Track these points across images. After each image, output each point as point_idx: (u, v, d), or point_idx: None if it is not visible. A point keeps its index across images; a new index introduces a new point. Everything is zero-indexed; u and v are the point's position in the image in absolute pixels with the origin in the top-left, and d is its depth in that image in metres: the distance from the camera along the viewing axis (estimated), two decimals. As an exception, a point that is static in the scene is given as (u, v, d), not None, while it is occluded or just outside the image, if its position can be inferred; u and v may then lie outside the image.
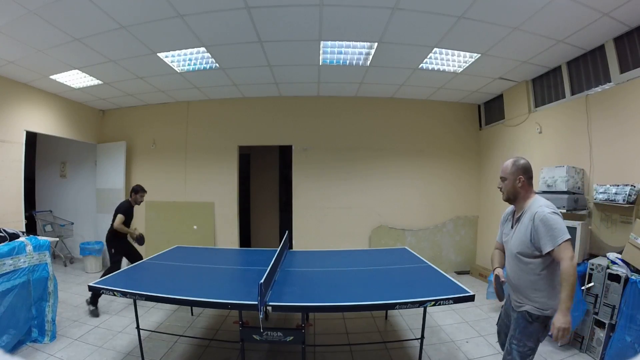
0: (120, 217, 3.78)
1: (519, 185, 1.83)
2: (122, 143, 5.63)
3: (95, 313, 3.55)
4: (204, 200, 5.53)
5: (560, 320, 1.60)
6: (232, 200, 5.53)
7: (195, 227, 5.32)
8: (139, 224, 5.50)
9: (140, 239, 3.94)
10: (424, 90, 5.06)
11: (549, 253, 1.66)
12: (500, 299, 1.98)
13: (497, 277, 1.91)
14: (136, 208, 4.07)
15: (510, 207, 2.01)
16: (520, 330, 1.77)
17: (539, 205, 1.75)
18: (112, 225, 3.81)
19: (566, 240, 1.63)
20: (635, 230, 2.59)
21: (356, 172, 5.47)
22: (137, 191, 3.96)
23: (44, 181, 6.27)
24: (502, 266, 1.99)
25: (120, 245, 3.85)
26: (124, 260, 3.91)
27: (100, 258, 5.35)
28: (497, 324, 2.16)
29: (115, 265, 3.75)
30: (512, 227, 1.91)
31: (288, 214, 5.81)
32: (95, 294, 3.40)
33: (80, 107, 5.43)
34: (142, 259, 3.73)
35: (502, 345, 2.02)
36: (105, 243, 3.98)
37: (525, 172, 1.83)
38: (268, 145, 6.11)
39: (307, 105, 5.46)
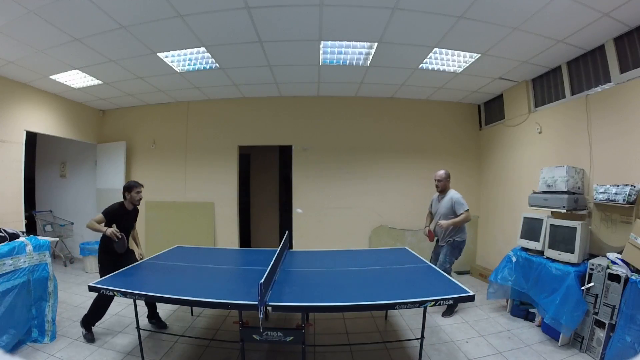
0: (98, 216, 3.05)
1: (448, 184, 3.87)
2: (122, 143, 5.63)
3: (88, 337, 3.00)
4: (204, 200, 5.53)
5: (442, 222, 3.64)
6: (232, 200, 5.53)
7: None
8: (139, 224, 5.47)
9: (120, 242, 3.04)
10: (424, 91, 5.06)
11: (460, 214, 3.63)
12: (432, 240, 4.00)
13: (431, 230, 3.93)
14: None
15: (435, 195, 4.01)
16: (450, 251, 3.72)
17: (454, 193, 3.78)
18: (102, 236, 3.10)
19: (466, 210, 3.63)
20: (635, 230, 2.59)
21: (356, 172, 5.47)
22: (131, 188, 3.18)
23: (44, 181, 6.27)
24: (432, 225, 3.90)
25: (105, 257, 3.10)
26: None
27: (100, 258, 5.34)
28: (431, 257, 3.93)
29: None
30: (438, 202, 3.89)
31: (288, 214, 5.81)
32: (87, 321, 3.02)
33: (80, 107, 5.43)
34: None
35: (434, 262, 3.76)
36: None
37: (449, 177, 3.89)
38: (268, 145, 6.10)
39: (307, 105, 5.46)
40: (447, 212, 3.71)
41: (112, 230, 3.00)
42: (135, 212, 3.37)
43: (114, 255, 3.08)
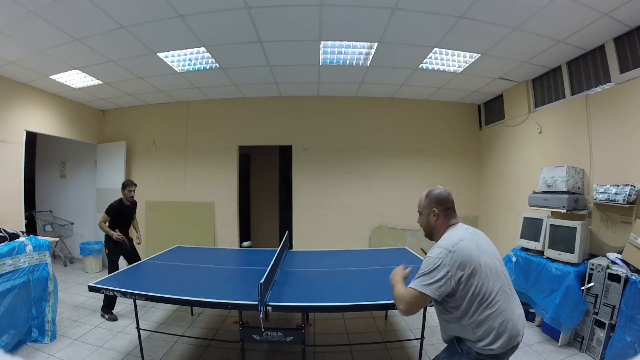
0: (103, 216, 3.64)
1: (433, 219, 1.61)
2: (122, 143, 5.63)
3: (112, 318, 3.49)
4: (204, 200, 5.52)
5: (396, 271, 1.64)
6: (232, 200, 5.53)
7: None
8: (139, 222, 5.51)
9: (123, 244, 3.68)
10: (424, 90, 5.06)
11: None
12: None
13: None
14: (137, 208, 4.03)
15: None
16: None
17: (437, 243, 1.54)
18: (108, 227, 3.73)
19: (415, 288, 1.42)
20: (635, 230, 2.59)
21: (356, 172, 5.47)
22: (124, 186, 3.77)
23: (44, 181, 6.27)
24: None
25: (111, 245, 3.70)
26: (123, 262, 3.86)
27: (100, 258, 5.35)
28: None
29: (113, 265, 3.70)
30: None
31: (288, 214, 5.81)
32: (106, 306, 3.52)
33: (80, 107, 5.42)
34: (139, 260, 3.68)
35: None
36: None
37: (440, 203, 1.59)
38: (268, 145, 6.10)
39: (307, 105, 5.46)
40: None
41: (117, 235, 3.63)
42: (134, 205, 3.93)
43: (117, 243, 3.68)
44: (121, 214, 3.74)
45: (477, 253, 1.45)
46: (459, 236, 1.51)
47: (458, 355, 1.49)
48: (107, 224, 3.65)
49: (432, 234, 1.66)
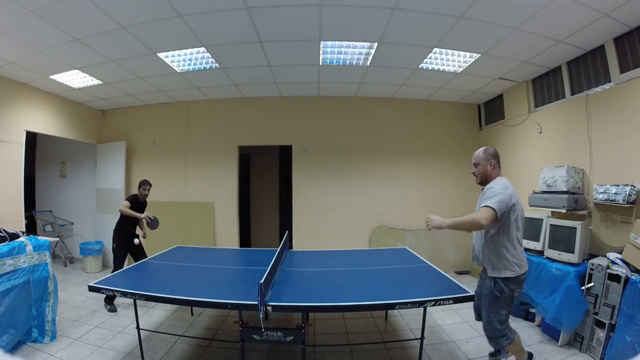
0: (124, 202, 3.84)
1: (490, 168, 2.20)
2: (122, 143, 5.63)
3: (112, 309, 3.68)
4: (204, 200, 5.53)
5: (431, 218, 2.14)
6: (232, 200, 5.53)
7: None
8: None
9: (154, 222, 3.86)
10: (424, 90, 5.06)
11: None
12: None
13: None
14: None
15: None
16: (491, 300, 2.19)
17: (494, 182, 2.15)
18: (118, 221, 3.93)
19: (489, 206, 1.96)
20: (635, 230, 2.59)
21: (356, 172, 5.47)
22: (140, 185, 3.96)
23: (44, 181, 6.27)
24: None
25: (122, 241, 3.86)
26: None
27: (100, 258, 5.35)
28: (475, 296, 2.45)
29: (117, 261, 3.79)
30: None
31: (288, 214, 5.81)
32: (108, 296, 3.66)
33: (80, 107, 5.43)
34: (145, 257, 3.78)
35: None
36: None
37: (495, 157, 2.22)
38: (268, 145, 6.10)
39: (307, 105, 5.46)
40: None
41: (146, 214, 3.87)
42: (144, 205, 4.08)
43: (122, 238, 3.88)
44: (135, 207, 3.89)
45: (517, 196, 2.11)
46: (508, 182, 2.15)
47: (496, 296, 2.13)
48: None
49: (486, 180, 2.22)
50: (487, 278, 2.19)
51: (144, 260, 3.50)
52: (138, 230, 4.08)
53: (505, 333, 2.17)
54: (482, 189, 2.21)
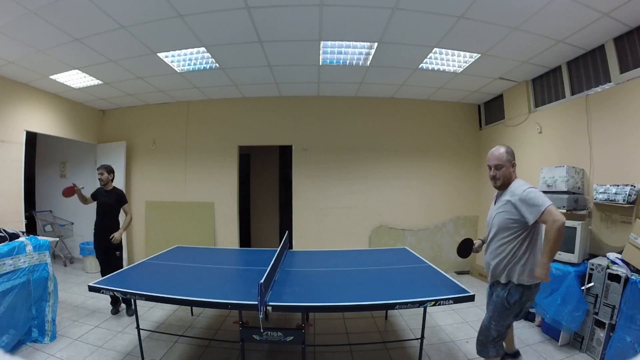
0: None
1: (512, 169, 2.07)
2: (122, 143, 5.63)
3: (113, 312, 3.65)
4: (204, 200, 5.52)
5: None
6: (232, 200, 5.53)
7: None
8: (139, 224, 5.52)
9: (97, 243, 3.63)
10: (424, 91, 5.06)
11: (541, 220, 1.90)
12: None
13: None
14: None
15: (495, 194, 2.25)
16: (499, 307, 2.16)
17: (517, 186, 2.02)
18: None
19: (547, 208, 1.86)
20: (635, 230, 2.59)
21: (356, 172, 5.47)
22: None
23: (44, 181, 6.26)
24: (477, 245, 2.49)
25: (96, 240, 3.68)
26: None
27: (100, 258, 5.34)
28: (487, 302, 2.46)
29: (118, 263, 3.64)
30: (494, 205, 2.20)
31: (288, 214, 5.81)
32: (114, 300, 3.67)
33: (80, 107, 5.43)
34: (112, 271, 3.11)
35: None
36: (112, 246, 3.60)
37: (514, 157, 2.09)
38: (268, 145, 6.10)
39: (307, 105, 5.46)
40: (502, 221, 2.06)
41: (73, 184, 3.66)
42: (115, 195, 3.76)
43: (96, 236, 3.68)
44: (96, 196, 3.74)
45: None
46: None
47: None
48: (87, 202, 3.75)
49: (506, 183, 2.07)
50: (499, 287, 2.14)
51: (143, 260, 3.48)
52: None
53: (497, 342, 2.15)
54: (499, 193, 2.11)
